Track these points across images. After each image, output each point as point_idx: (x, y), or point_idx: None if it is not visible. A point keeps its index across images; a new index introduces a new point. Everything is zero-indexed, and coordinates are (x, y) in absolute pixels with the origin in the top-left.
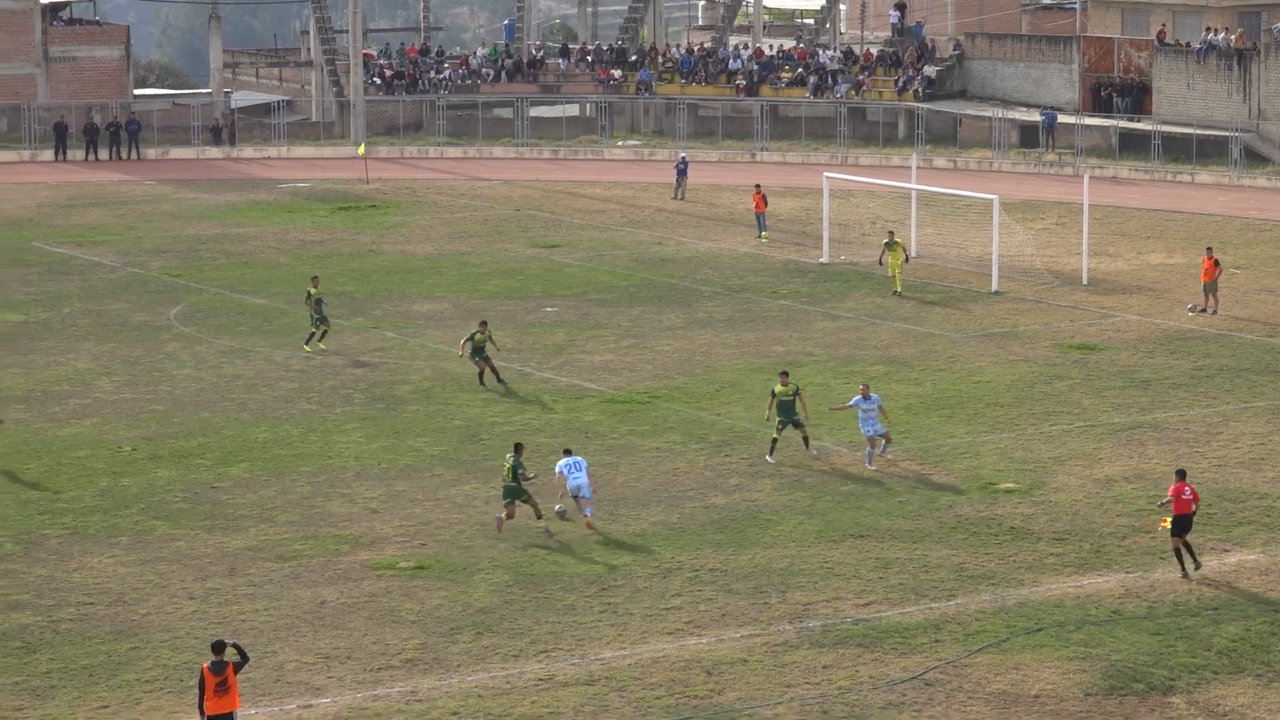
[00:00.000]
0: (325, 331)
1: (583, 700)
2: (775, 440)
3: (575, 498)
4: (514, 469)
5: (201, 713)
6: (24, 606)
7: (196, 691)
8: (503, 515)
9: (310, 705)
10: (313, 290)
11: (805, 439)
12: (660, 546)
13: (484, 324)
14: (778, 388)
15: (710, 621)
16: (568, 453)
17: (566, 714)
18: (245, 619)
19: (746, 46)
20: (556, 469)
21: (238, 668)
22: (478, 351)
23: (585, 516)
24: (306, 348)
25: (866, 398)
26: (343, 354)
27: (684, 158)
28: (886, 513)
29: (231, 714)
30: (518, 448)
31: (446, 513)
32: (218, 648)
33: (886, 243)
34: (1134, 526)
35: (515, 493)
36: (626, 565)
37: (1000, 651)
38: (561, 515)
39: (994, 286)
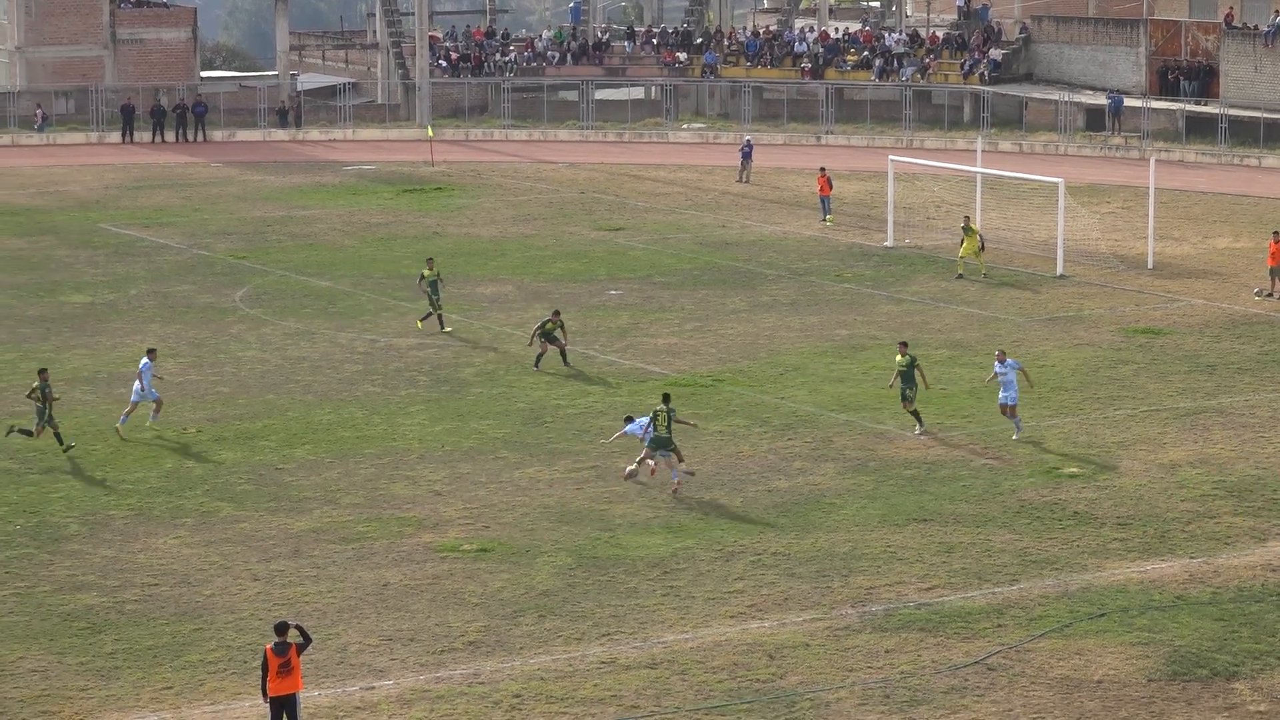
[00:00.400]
0: (440, 315)
1: (645, 683)
2: (915, 413)
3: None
4: (669, 417)
5: (264, 694)
6: (89, 587)
7: (260, 673)
8: (634, 468)
9: (373, 687)
10: (427, 272)
11: (916, 415)
12: (723, 530)
13: (557, 313)
14: (897, 358)
15: (773, 605)
16: (666, 399)
17: (629, 697)
18: (309, 600)
19: (812, 30)
20: (627, 429)
21: (300, 649)
22: (546, 335)
23: (673, 480)
24: (420, 324)
25: (1002, 362)
26: (407, 336)
27: (749, 141)
28: (950, 497)
29: (294, 695)
30: (666, 397)
31: (510, 495)
32: (280, 629)
33: (964, 228)
34: (1198, 512)
35: (665, 444)
36: (689, 548)
37: (1063, 636)
38: (632, 477)
39: (1059, 270)
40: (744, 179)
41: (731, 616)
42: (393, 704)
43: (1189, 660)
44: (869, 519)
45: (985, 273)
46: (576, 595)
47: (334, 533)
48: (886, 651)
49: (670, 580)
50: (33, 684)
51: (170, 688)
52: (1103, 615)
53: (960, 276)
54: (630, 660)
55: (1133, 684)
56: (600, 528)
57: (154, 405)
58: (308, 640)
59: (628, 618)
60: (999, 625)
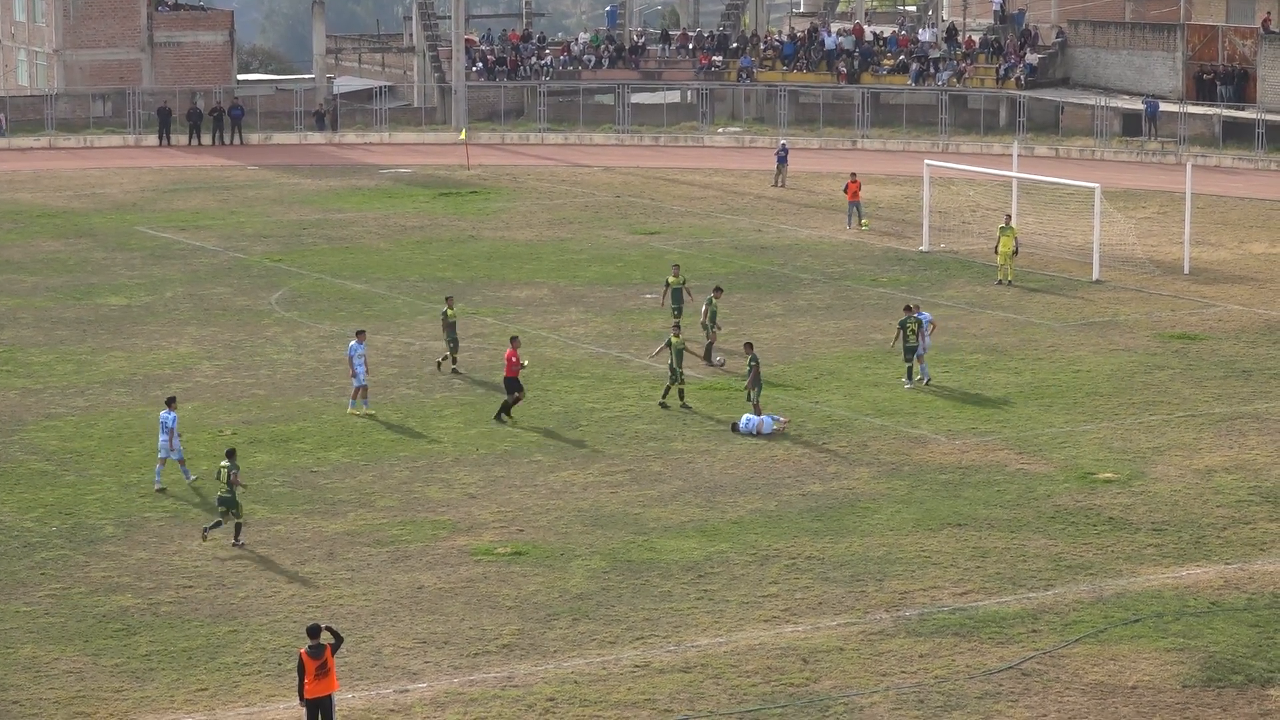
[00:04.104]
0: (676, 324)
1: (679, 687)
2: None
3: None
4: (919, 324)
5: (301, 697)
6: (125, 589)
7: (295, 675)
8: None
9: (407, 690)
10: (672, 279)
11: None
12: (757, 534)
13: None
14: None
15: (807, 609)
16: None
17: (662, 701)
18: (343, 603)
19: (846, 31)
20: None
21: (333, 649)
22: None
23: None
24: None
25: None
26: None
27: (784, 144)
28: (984, 502)
29: (329, 697)
30: (908, 307)
31: (544, 499)
32: (313, 632)
33: (1001, 226)
34: (1234, 518)
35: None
36: (723, 552)
37: (1097, 642)
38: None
39: (1095, 275)
40: (780, 183)
41: (765, 620)
42: (426, 707)
43: (1224, 666)
44: (903, 523)
45: (1012, 279)
46: (610, 599)
47: (368, 535)
48: (920, 656)
49: (704, 584)
50: (68, 685)
51: (205, 689)
52: (1137, 621)
53: (1000, 282)
54: (664, 664)
55: (1167, 690)
56: (634, 531)
57: (358, 390)
58: (339, 640)
59: (661, 621)
60: (1033, 630)
